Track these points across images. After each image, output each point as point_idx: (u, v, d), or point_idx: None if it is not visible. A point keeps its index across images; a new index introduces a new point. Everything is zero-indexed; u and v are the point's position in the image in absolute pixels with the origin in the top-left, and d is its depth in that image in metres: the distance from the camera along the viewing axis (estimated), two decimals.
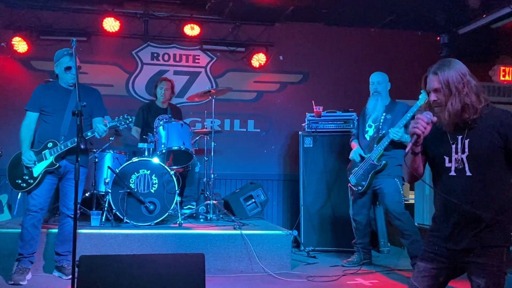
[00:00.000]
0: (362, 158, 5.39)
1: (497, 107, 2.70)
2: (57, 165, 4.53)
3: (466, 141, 2.63)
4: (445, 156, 2.71)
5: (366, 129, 5.50)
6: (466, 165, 2.63)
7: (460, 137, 2.66)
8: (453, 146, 2.67)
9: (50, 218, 5.66)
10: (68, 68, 4.55)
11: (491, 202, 2.58)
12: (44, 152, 4.53)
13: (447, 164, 2.69)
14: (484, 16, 6.61)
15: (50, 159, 4.52)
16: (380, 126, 5.35)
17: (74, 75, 4.43)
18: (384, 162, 5.20)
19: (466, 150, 2.63)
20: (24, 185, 4.53)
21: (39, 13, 7.13)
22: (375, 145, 5.25)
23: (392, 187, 5.22)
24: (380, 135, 5.27)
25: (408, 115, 5.04)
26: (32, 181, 4.52)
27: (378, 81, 5.46)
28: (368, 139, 5.44)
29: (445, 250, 2.67)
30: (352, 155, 5.51)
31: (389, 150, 5.22)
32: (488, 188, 2.60)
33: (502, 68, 8.08)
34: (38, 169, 4.53)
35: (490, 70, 8.10)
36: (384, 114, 5.38)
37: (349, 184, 5.52)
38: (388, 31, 7.96)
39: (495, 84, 8.10)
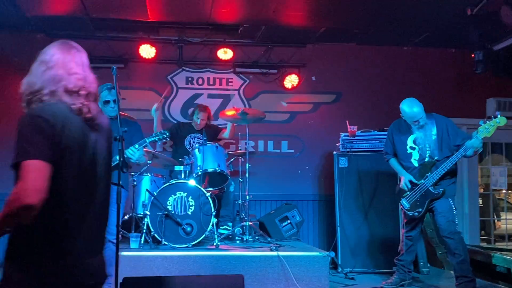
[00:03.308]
0: (413, 183, 5.23)
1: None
2: None
3: None
4: None
5: (409, 151, 5.33)
6: None
7: None
8: None
9: None
10: (106, 102, 4.76)
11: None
12: None
13: None
14: None
15: None
16: (427, 149, 5.20)
17: (112, 108, 4.71)
18: (442, 190, 5.05)
19: None
20: None
21: (76, 42, 7.34)
22: (429, 173, 5.10)
23: (445, 206, 5.09)
24: (432, 160, 5.13)
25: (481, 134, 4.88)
26: None
27: (421, 117, 5.17)
28: (414, 163, 5.28)
29: None
30: (403, 184, 5.30)
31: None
32: None
33: None
34: None
35: None
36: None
37: (401, 207, 5.40)
38: (421, 49, 7.92)
39: None
